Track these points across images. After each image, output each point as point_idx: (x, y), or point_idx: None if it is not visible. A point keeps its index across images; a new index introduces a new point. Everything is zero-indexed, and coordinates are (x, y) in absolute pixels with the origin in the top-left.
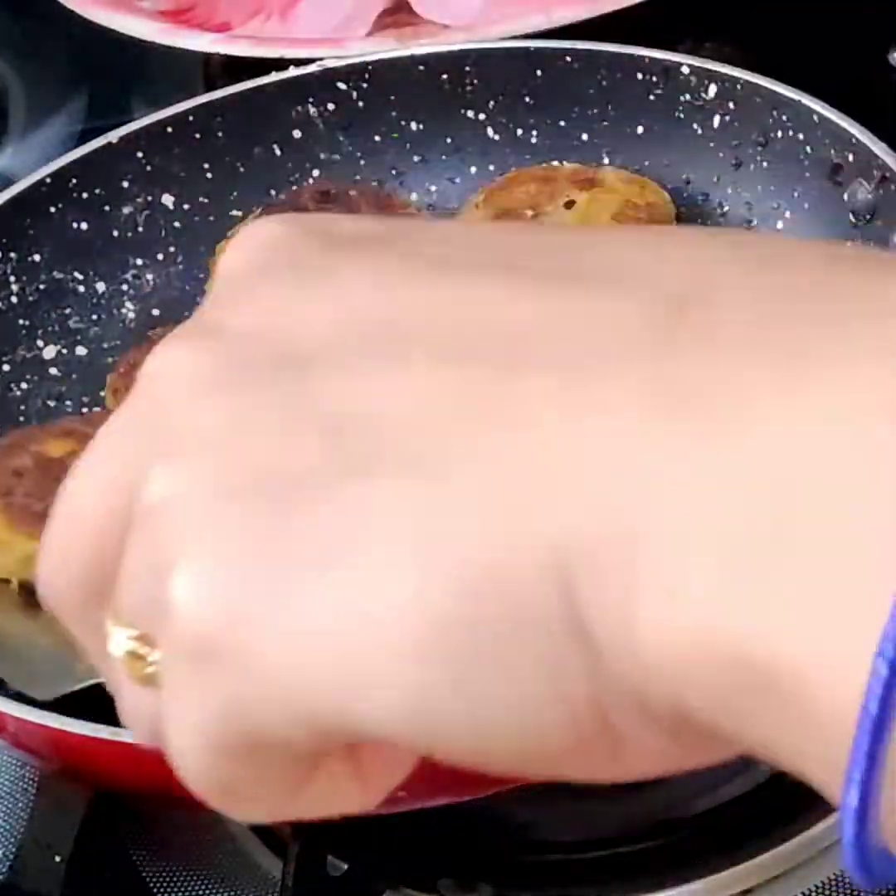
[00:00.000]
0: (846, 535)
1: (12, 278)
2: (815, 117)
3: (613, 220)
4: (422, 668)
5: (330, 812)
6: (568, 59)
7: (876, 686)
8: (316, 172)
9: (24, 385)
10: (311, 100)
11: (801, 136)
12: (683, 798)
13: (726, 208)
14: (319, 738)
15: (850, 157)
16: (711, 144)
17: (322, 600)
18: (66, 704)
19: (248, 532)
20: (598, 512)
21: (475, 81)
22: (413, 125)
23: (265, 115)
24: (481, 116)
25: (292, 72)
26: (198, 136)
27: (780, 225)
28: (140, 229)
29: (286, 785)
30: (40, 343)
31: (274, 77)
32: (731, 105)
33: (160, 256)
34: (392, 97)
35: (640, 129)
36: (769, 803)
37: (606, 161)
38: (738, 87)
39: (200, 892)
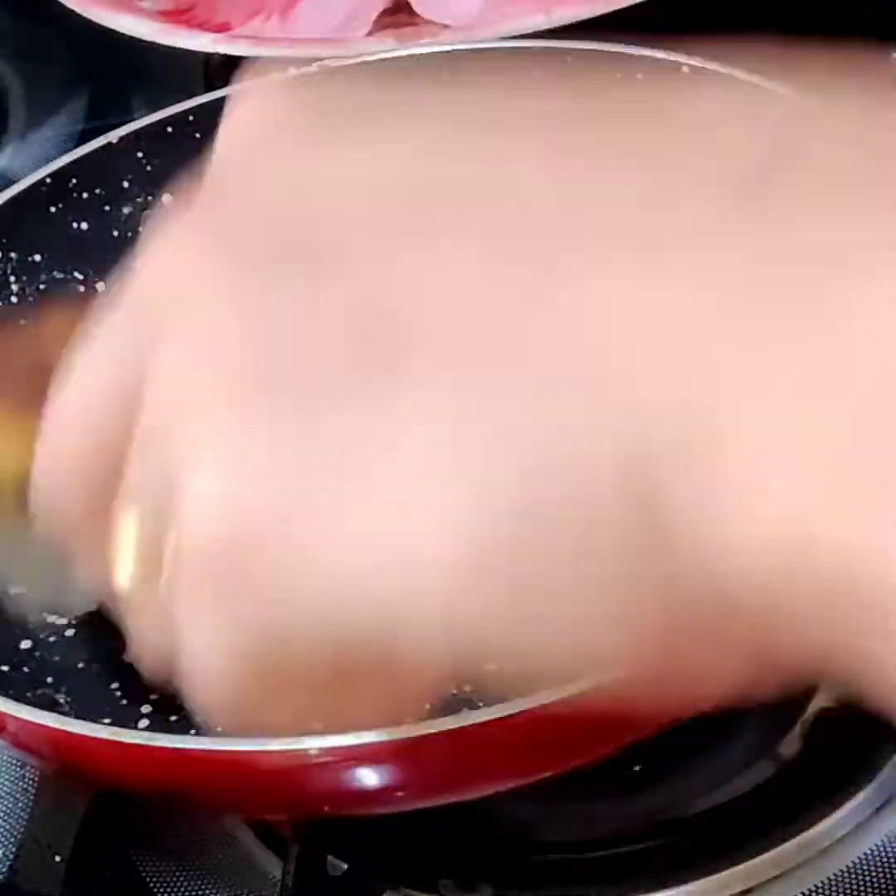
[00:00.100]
0: None
1: (12, 278)
2: None
3: None
4: (471, 582)
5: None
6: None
7: None
8: None
9: None
10: None
11: None
12: (683, 798)
13: None
14: (351, 654)
15: None
16: None
17: (360, 508)
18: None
19: (274, 426)
20: (678, 407)
21: None
22: None
23: None
24: None
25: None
26: (198, 136)
27: None
28: (140, 229)
29: (304, 701)
30: None
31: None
32: None
33: None
34: None
35: None
36: (769, 803)
37: None
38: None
39: (200, 892)
